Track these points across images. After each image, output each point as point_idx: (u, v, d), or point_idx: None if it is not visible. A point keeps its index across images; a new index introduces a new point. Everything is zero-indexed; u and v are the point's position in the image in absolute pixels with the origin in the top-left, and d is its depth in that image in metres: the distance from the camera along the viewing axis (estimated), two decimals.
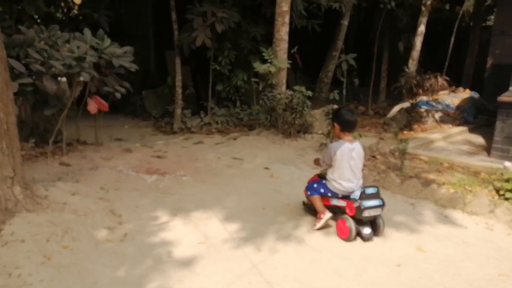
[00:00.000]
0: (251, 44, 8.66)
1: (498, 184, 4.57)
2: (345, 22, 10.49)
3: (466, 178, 5.17)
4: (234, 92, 8.85)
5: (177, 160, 5.77)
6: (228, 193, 4.59)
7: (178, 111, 8.09)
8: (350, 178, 3.67)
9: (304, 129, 7.25)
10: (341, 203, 3.69)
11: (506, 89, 6.26)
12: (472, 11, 13.97)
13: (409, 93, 8.23)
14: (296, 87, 6.84)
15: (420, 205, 4.40)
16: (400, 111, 9.11)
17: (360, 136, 6.04)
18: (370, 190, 3.60)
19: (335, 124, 3.71)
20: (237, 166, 5.60)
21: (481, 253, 3.41)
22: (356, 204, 3.53)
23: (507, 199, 4.43)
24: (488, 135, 7.52)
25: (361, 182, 3.73)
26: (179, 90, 8.08)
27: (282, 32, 7.39)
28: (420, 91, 8.21)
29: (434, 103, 9.04)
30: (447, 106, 9.03)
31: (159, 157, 5.87)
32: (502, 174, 4.64)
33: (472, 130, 8.26)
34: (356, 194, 3.57)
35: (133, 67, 5.73)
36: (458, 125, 8.56)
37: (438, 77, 8.08)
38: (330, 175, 3.75)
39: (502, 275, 3.09)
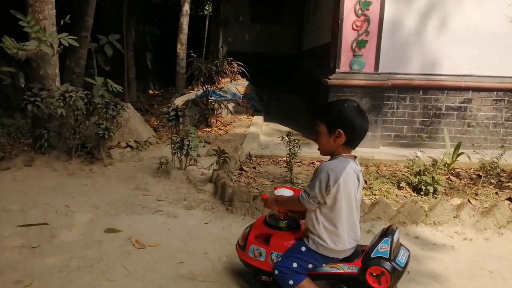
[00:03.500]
0: None
1: (414, 179, 3.94)
2: None
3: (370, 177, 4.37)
4: None
5: None
6: None
7: None
8: (356, 223, 2.07)
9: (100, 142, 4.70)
10: (343, 268, 2.05)
11: None
12: None
13: (207, 81, 6.86)
14: (98, 80, 4.25)
15: (376, 229, 3.21)
16: (186, 104, 7.63)
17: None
18: (396, 235, 2.08)
19: (339, 132, 1.96)
20: (46, 241, 2.80)
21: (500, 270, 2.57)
22: (388, 267, 1.97)
23: (426, 193, 3.86)
24: (288, 122, 7.18)
25: None
26: None
27: None
28: (220, 78, 7.00)
29: (222, 93, 8.05)
30: (234, 95, 8.22)
31: None
32: (411, 166, 4.03)
33: (269, 119, 7.75)
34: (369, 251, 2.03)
35: None
36: (252, 114, 7.91)
37: (233, 62, 7.06)
38: (321, 225, 1.99)
39: None
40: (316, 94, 7.45)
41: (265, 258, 2.16)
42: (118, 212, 3.34)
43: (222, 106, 7.68)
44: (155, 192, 3.79)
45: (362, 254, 2.08)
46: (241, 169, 4.44)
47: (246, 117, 7.76)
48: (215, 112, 7.56)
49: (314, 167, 4.74)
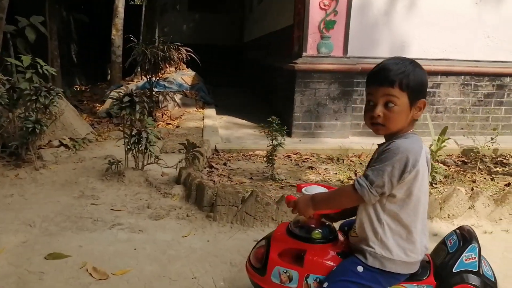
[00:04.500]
0: None
1: None
2: None
3: (341, 167, 3.87)
4: None
5: None
6: None
7: None
8: (425, 223, 1.52)
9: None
10: None
11: None
12: None
13: (152, 70, 5.99)
14: (24, 60, 3.29)
15: None
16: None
17: None
18: (474, 248, 1.56)
19: (423, 104, 1.42)
20: None
21: None
22: (478, 284, 1.47)
23: None
24: (242, 115, 6.55)
25: None
26: None
27: None
28: (167, 66, 6.16)
29: (166, 84, 7.20)
30: (180, 86, 7.40)
31: None
32: None
33: (220, 112, 7.04)
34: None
35: None
36: (202, 107, 7.16)
37: (182, 48, 6.25)
38: (386, 228, 1.42)
39: None
40: (272, 83, 6.92)
41: (298, 283, 1.53)
42: (61, 229, 2.49)
43: (168, 98, 6.84)
44: (107, 199, 2.97)
45: (430, 268, 1.53)
46: (210, 166, 3.73)
47: (196, 109, 6.99)
48: (160, 105, 6.70)
49: (291, 160, 4.16)
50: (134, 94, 3.18)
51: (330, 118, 5.28)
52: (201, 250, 2.32)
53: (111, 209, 2.81)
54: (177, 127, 5.71)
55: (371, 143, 4.90)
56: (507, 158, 4.37)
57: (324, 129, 5.29)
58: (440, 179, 3.49)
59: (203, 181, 2.86)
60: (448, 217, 2.87)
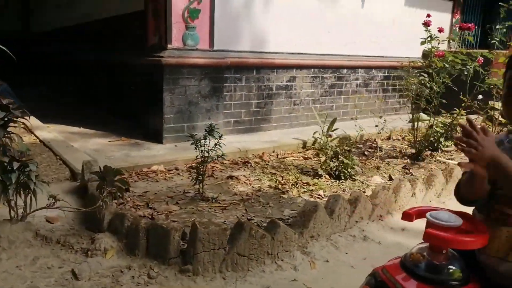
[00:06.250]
0: None
1: (332, 164, 3.42)
2: None
3: (255, 172, 3.49)
4: None
5: None
6: None
7: None
8: None
9: None
10: None
11: None
12: None
13: None
14: None
15: (370, 234, 2.54)
16: None
17: None
18: None
19: None
20: None
21: None
22: None
23: (345, 178, 3.44)
24: (74, 122, 5.30)
25: None
26: None
27: None
28: None
29: None
30: None
31: None
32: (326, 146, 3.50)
33: (45, 119, 5.50)
34: None
35: None
36: None
37: None
38: None
39: None
40: (116, 81, 5.84)
41: None
42: None
43: None
44: None
45: None
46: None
47: None
48: None
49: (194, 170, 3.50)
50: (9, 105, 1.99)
51: (203, 117, 4.77)
52: None
53: None
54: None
55: (255, 140, 4.69)
56: (373, 142, 4.85)
57: (198, 130, 4.71)
58: (358, 171, 3.54)
59: (162, 223, 2.02)
60: (400, 208, 2.91)
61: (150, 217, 2.45)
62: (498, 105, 5.07)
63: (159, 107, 4.48)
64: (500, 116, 5.15)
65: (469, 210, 1.39)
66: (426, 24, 4.04)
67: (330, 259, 2.25)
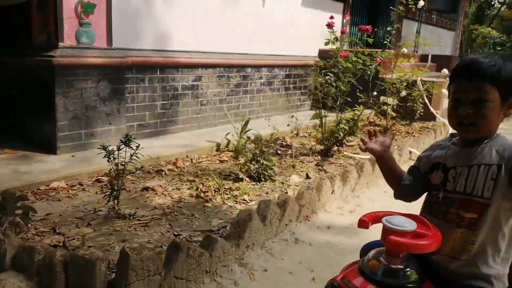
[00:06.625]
0: None
1: (253, 166, 3.34)
2: None
3: (171, 180, 3.27)
4: None
5: None
6: None
7: None
8: None
9: None
10: None
11: None
12: None
13: None
14: None
15: (302, 236, 2.52)
16: None
17: None
18: None
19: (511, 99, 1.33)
20: None
21: None
22: None
23: (265, 179, 3.40)
24: None
25: None
26: None
27: None
28: None
29: None
30: None
31: None
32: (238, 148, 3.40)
33: None
34: None
35: None
36: None
37: None
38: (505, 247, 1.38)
39: None
40: None
41: None
42: None
43: None
44: None
45: None
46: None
47: None
48: None
49: (103, 184, 3.13)
50: None
51: (103, 122, 4.34)
52: None
53: None
54: None
55: (165, 145, 4.40)
56: (284, 140, 4.91)
57: (98, 137, 4.30)
58: (277, 172, 3.53)
59: (83, 254, 1.71)
60: (322, 206, 2.96)
61: (60, 244, 2.09)
62: (390, 100, 5.54)
63: (50, 113, 3.95)
64: (392, 111, 5.64)
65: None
66: (330, 26, 4.19)
67: (268, 267, 2.17)
